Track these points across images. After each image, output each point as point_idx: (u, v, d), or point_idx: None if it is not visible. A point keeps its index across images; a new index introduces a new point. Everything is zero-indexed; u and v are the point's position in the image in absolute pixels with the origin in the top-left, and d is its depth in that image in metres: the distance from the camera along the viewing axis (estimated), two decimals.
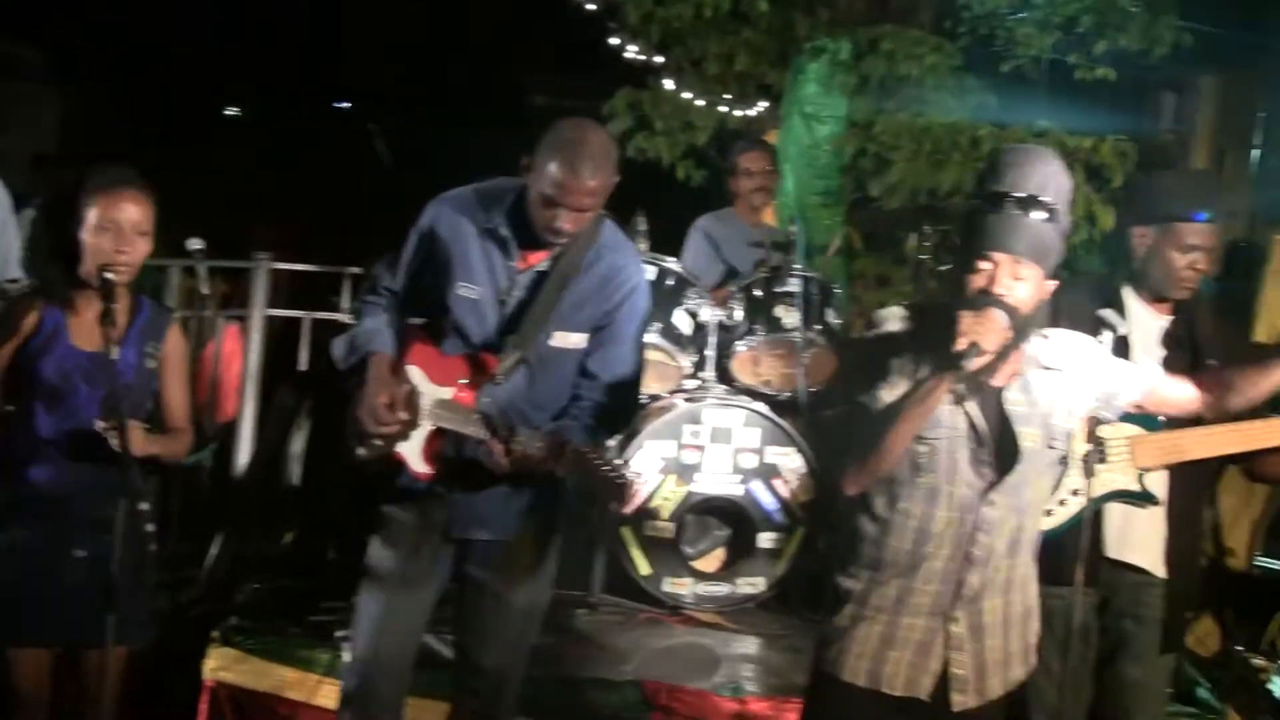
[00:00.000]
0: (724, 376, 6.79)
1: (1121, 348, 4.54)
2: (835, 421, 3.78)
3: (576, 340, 4.31)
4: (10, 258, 5.63)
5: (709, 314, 6.68)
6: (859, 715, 3.79)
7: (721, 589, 6.44)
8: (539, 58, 14.09)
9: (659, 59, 9.82)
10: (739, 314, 6.74)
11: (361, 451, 4.25)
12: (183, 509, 6.75)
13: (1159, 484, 4.56)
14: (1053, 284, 3.67)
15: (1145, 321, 4.63)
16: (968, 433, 3.67)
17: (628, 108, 9.63)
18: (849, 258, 8.97)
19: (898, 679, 3.73)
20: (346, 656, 4.70)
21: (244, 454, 7.55)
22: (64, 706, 4.47)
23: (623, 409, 4.47)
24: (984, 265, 3.55)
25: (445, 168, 4.63)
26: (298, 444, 6.60)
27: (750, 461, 6.43)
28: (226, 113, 20.01)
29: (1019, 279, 3.55)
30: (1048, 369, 3.74)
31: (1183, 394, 3.96)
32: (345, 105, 19.38)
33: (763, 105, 10.06)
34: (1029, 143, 7.92)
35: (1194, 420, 4.50)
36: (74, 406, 4.32)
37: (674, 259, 6.75)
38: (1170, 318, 4.63)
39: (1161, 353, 4.60)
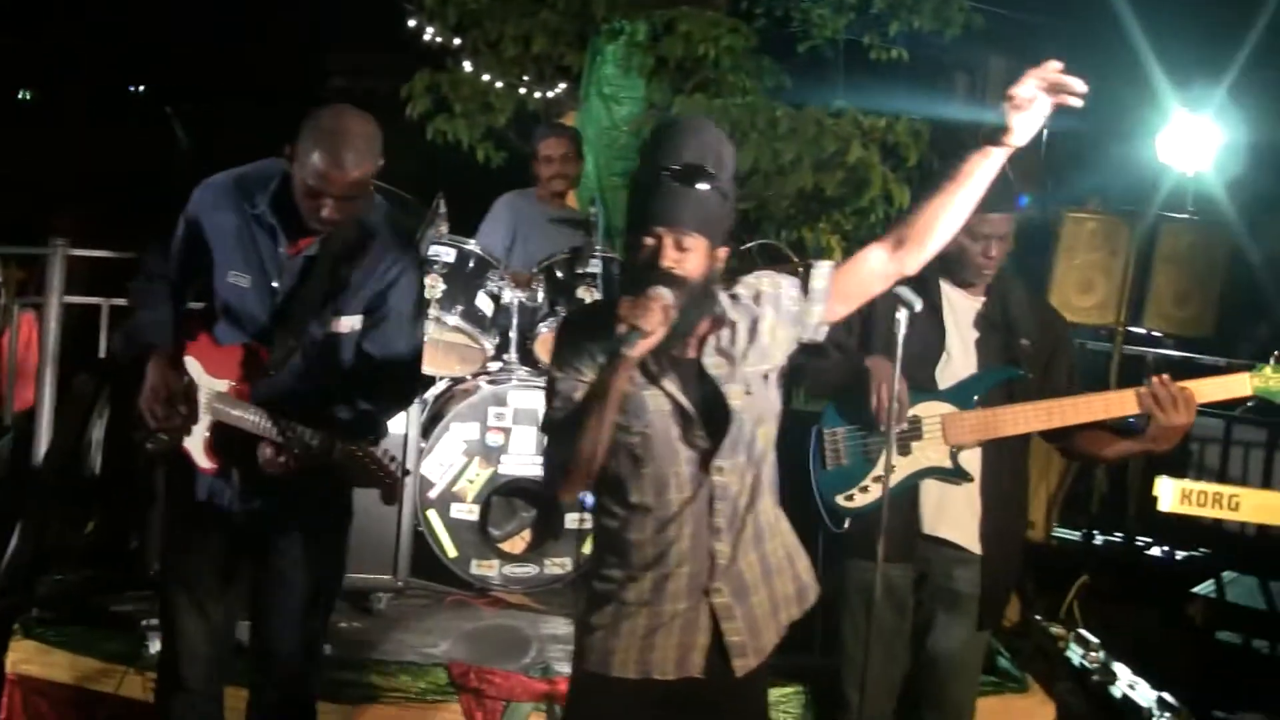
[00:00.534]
0: (527, 358, 6.78)
1: (930, 326, 4.67)
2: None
3: (350, 323, 4.29)
4: None
5: (511, 295, 6.68)
6: (632, 709, 3.75)
7: (529, 570, 6.46)
8: (338, 39, 13.96)
9: (457, 41, 9.77)
10: (541, 295, 6.73)
11: (149, 445, 4.21)
12: None
13: (973, 461, 4.68)
14: (724, 251, 3.62)
15: (960, 304, 4.75)
16: (673, 412, 3.62)
17: (426, 90, 9.57)
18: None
19: (669, 663, 3.69)
20: (155, 646, 4.65)
21: (43, 443, 7.41)
22: None
23: (403, 388, 4.46)
24: (648, 241, 3.52)
25: (245, 150, 4.56)
26: (98, 432, 6.48)
27: None
28: (18, 96, 19.50)
29: (685, 250, 3.50)
30: (735, 324, 3.66)
31: (868, 260, 3.76)
32: (141, 88, 19.00)
33: (562, 87, 10.07)
34: (824, 122, 8.14)
35: (1006, 398, 4.64)
36: None
37: (474, 241, 6.72)
38: (983, 299, 4.75)
39: (976, 334, 4.72)
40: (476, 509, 6.38)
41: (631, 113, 9.00)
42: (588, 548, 6.36)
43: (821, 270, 3.73)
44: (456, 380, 6.76)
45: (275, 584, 4.40)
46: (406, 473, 4.10)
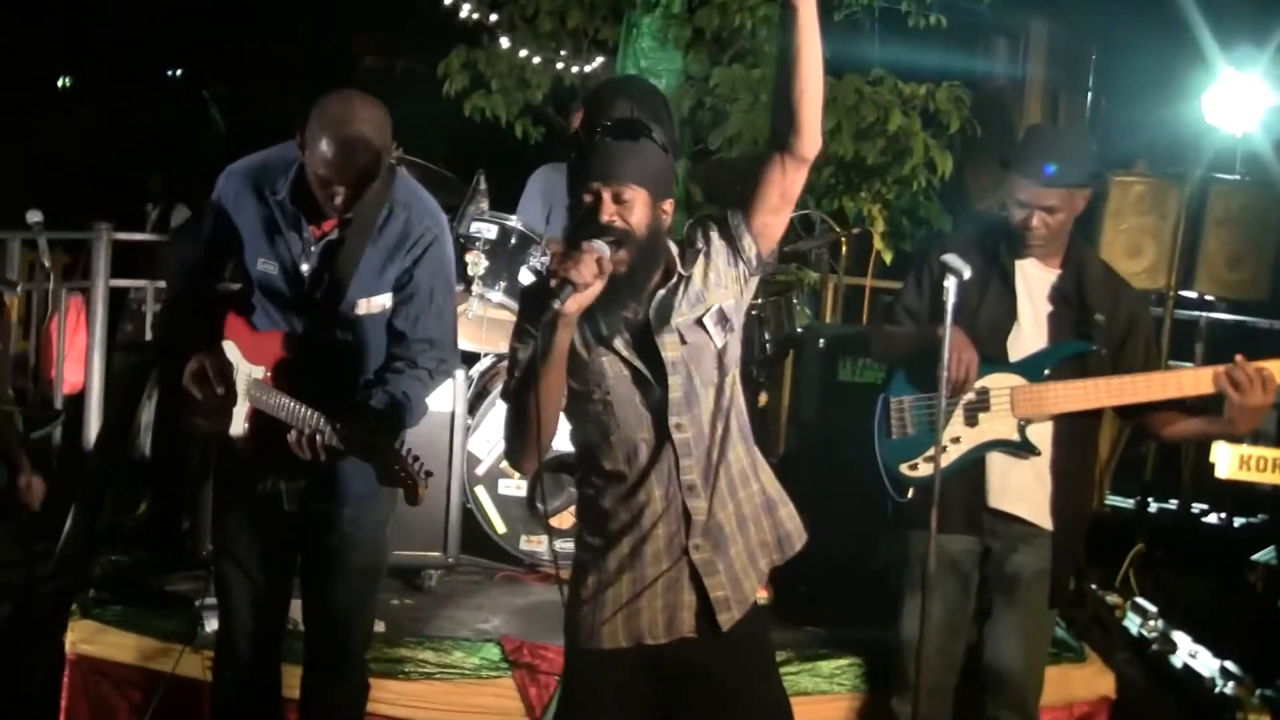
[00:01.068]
0: None
1: (1002, 298, 4.62)
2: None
3: (380, 303, 4.27)
4: None
5: None
6: (627, 681, 3.72)
7: None
8: (373, 18, 13.94)
9: (493, 17, 9.73)
10: None
11: (197, 425, 4.21)
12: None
13: (1042, 436, 4.63)
14: (669, 204, 3.60)
15: (1034, 276, 4.70)
16: (631, 376, 3.59)
17: (462, 67, 9.55)
18: (690, 210, 8.99)
19: (658, 626, 3.66)
20: (210, 625, 4.65)
21: (93, 426, 7.44)
22: None
23: (438, 364, 4.39)
24: (586, 198, 3.48)
25: (280, 133, 4.54)
26: (147, 414, 6.49)
27: None
28: (58, 84, 19.59)
29: (624, 202, 3.46)
30: (681, 275, 3.60)
31: (765, 166, 3.63)
32: (177, 73, 19.04)
33: (598, 61, 10.03)
34: (863, 90, 8.07)
35: (1078, 372, 4.58)
36: None
37: (515, 217, 6.68)
38: (1058, 272, 4.69)
39: (1049, 307, 4.67)
40: (524, 485, 6.34)
41: (669, 85, 8.93)
42: None
43: (731, 211, 3.68)
44: (501, 356, 6.72)
45: (325, 561, 4.41)
46: (429, 474, 4.04)
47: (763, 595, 3.85)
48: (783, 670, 4.39)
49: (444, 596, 6.01)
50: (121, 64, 17.24)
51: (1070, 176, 4.60)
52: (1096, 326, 4.61)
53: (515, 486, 6.33)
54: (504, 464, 6.27)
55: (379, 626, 4.98)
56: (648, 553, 3.64)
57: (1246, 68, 8.29)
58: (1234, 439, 4.60)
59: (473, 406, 6.32)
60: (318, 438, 3.99)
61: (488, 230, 6.48)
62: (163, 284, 8.19)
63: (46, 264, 6.08)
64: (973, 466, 4.64)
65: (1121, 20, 9.64)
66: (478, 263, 6.37)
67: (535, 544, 6.37)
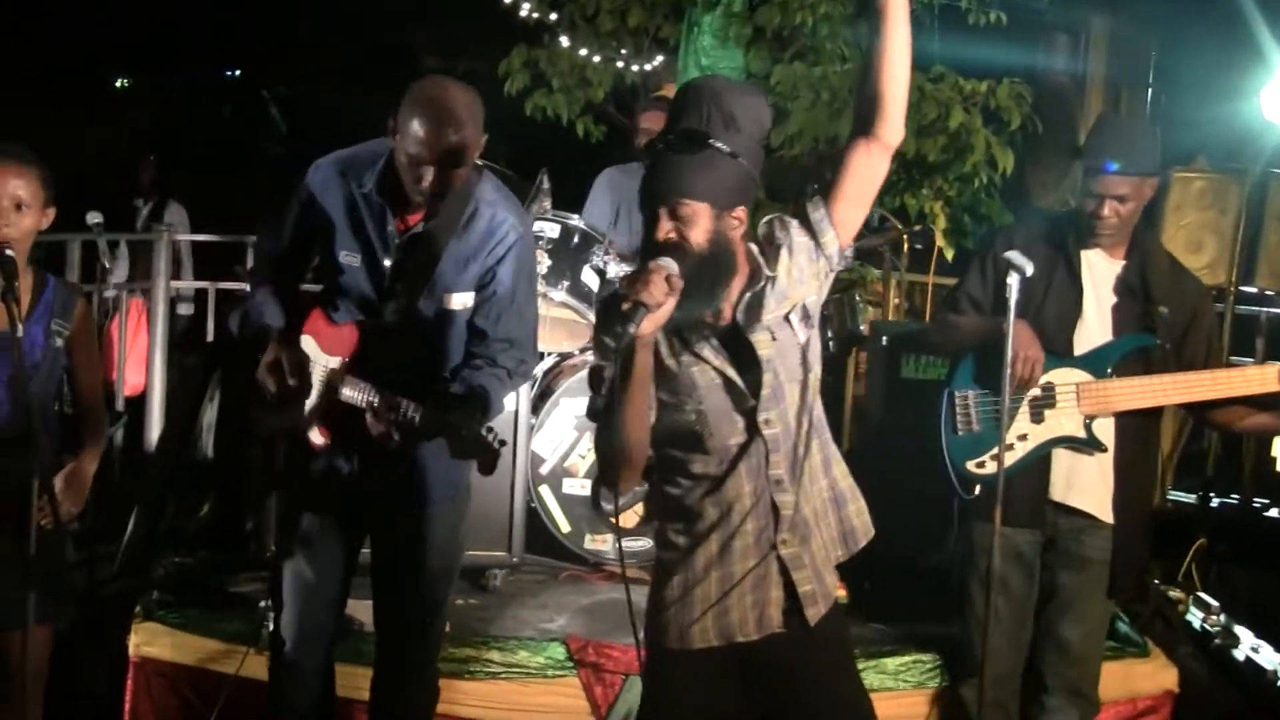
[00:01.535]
0: None
1: (1068, 290, 4.63)
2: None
3: (462, 300, 4.29)
4: None
5: (616, 270, 6.67)
6: (716, 680, 3.71)
7: (642, 544, 6.44)
8: (431, 18, 13.98)
9: (553, 15, 9.77)
10: None
11: (267, 423, 4.25)
12: (96, 485, 6.71)
13: (1106, 430, 4.65)
14: (740, 210, 3.52)
15: (1100, 268, 4.72)
16: (722, 384, 3.56)
17: (523, 66, 9.59)
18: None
19: (749, 623, 3.65)
20: (271, 626, 4.69)
21: (155, 428, 7.49)
22: None
23: (517, 364, 4.42)
24: (650, 217, 3.48)
25: (341, 132, 4.59)
26: (210, 415, 6.54)
27: None
28: (117, 84, 19.72)
29: (680, 219, 3.43)
30: (769, 275, 3.58)
31: (850, 157, 3.65)
32: (237, 73, 19.15)
33: (659, 59, 10.05)
34: (924, 88, 8.05)
35: (1142, 365, 4.60)
36: None
37: (578, 216, 6.72)
38: (1123, 263, 4.71)
39: (1114, 299, 4.70)
40: (588, 484, 6.38)
41: None
42: None
43: (814, 201, 3.65)
44: (564, 355, 6.76)
45: (397, 561, 4.44)
46: (503, 443, 4.09)
47: (841, 593, 3.86)
48: None
49: (509, 596, 6.05)
50: (179, 65, 17.36)
51: (1140, 165, 4.64)
52: (1160, 318, 4.63)
53: (579, 485, 6.37)
54: (568, 463, 6.32)
55: (445, 626, 5.02)
56: (736, 549, 3.62)
57: None
58: None
59: (536, 406, 6.36)
60: (393, 414, 4.05)
61: (550, 229, 6.52)
62: (225, 285, 8.29)
63: (108, 265, 6.11)
64: (1038, 462, 4.66)
65: (1181, 17, 9.60)
66: (540, 261, 6.40)
67: (600, 543, 6.41)
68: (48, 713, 4.50)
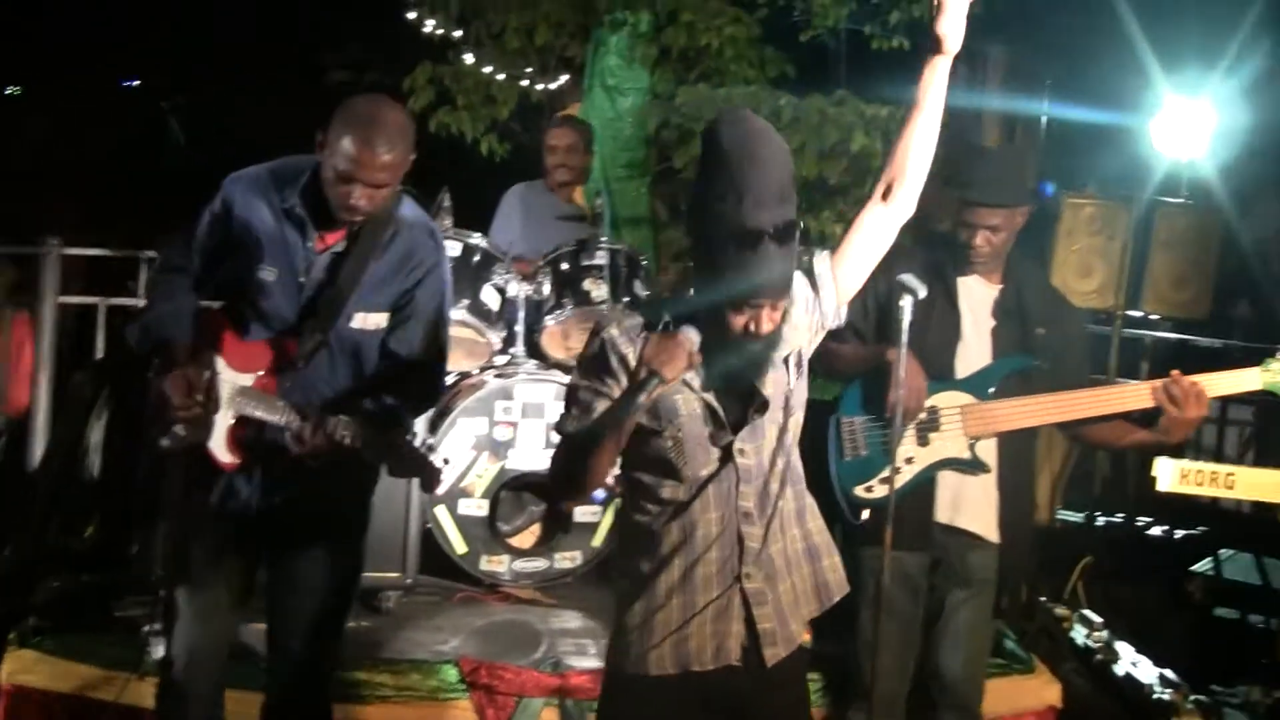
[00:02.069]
0: (534, 351, 6.79)
1: (946, 315, 4.71)
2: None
3: (377, 320, 4.30)
4: None
5: (517, 289, 6.69)
6: (672, 708, 3.73)
7: (539, 565, 6.48)
8: (338, 32, 13.90)
9: (458, 33, 9.76)
10: (547, 288, 6.71)
11: (165, 441, 4.20)
12: None
13: (988, 451, 4.73)
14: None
15: (977, 292, 4.80)
16: (704, 414, 3.60)
17: (428, 83, 9.57)
18: (655, 229, 9.06)
19: (706, 652, 3.67)
20: (158, 652, 4.64)
21: (39, 446, 7.38)
22: None
23: (428, 388, 4.47)
24: (746, 311, 3.45)
25: (242, 145, 4.58)
26: (96, 434, 6.45)
27: None
28: (6, 92, 19.41)
29: (776, 309, 3.47)
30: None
31: (863, 220, 3.71)
32: (135, 83, 18.91)
33: (565, 78, 10.07)
34: (826, 111, 8.13)
35: (1022, 387, 4.69)
36: None
37: (479, 235, 6.72)
38: (1000, 287, 4.80)
39: (992, 322, 4.78)
40: (485, 504, 6.39)
41: (635, 104, 9.02)
42: (598, 541, 6.42)
43: (820, 256, 3.71)
44: (463, 375, 6.75)
45: (294, 586, 4.42)
46: (446, 461, 4.12)
47: (805, 637, 3.90)
48: None
49: (403, 618, 6.02)
50: (74, 73, 17.10)
51: (1012, 197, 4.74)
52: (1038, 340, 4.73)
53: (476, 506, 6.37)
54: (465, 483, 6.31)
55: None
56: (699, 576, 3.64)
57: (1193, 93, 8.45)
58: (1169, 449, 4.73)
59: (434, 425, 6.34)
60: (319, 433, 4.05)
61: (451, 248, 6.50)
62: (115, 301, 8.16)
63: None
64: (924, 484, 4.74)
65: (1076, 47, 9.77)
66: None
67: (495, 564, 6.41)
68: None
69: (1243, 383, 4.62)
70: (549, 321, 6.70)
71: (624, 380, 3.53)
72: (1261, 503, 7.18)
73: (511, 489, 6.50)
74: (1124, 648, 6.52)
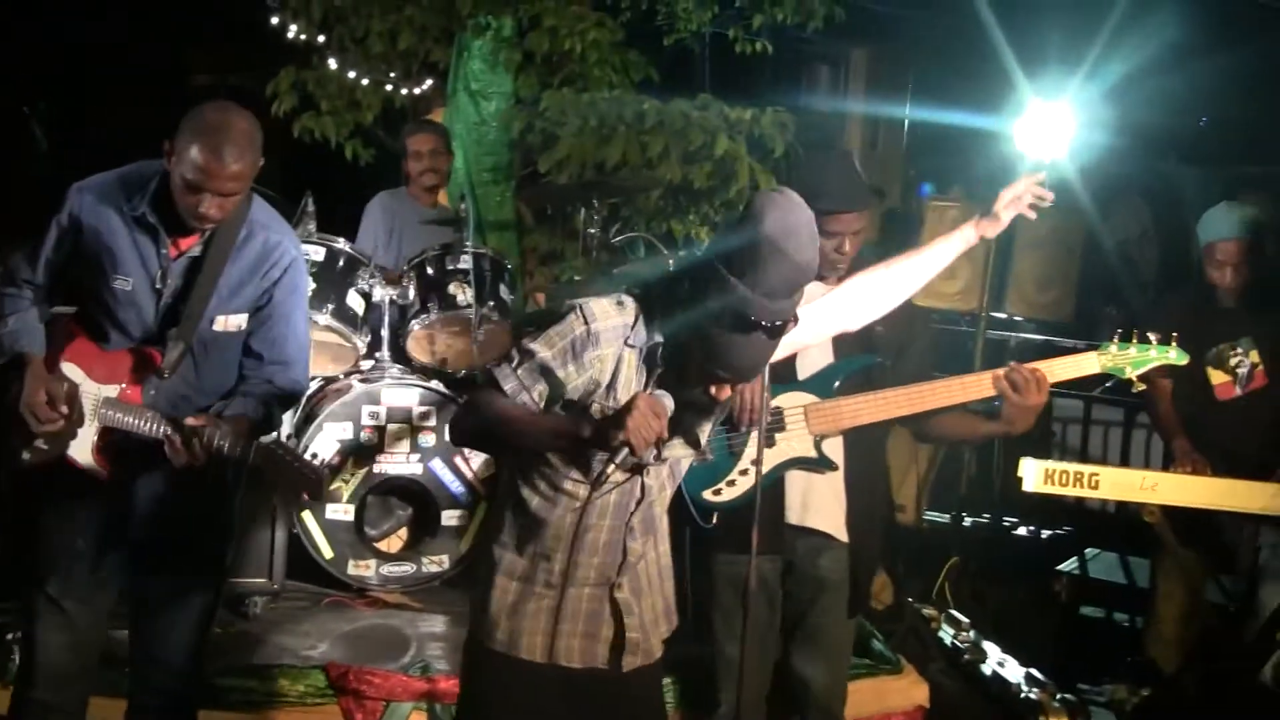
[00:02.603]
0: (400, 356, 6.80)
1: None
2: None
3: (237, 322, 4.31)
4: None
5: (382, 293, 6.68)
6: (536, 690, 3.77)
7: (406, 569, 6.47)
8: (200, 36, 13.74)
9: (321, 37, 9.68)
10: (412, 293, 6.73)
11: (26, 455, 4.18)
12: None
13: (836, 449, 4.76)
14: None
15: (815, 296, 4.82)
16: None
17: (291, 87, 9.48)
18: (520, 233, 9.05)
19: (574, 652, 3.75)
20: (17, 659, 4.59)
21: None
22: None
23: (292, 385, 4.48)
24: (714, 382, 3.53)
25: (106, 151, 4.53)
26: None
27: (429, 440, 6.45)
28: None
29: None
30: None
31: (818, 307, 3.94)
32: None
33: (429, 83, 10.02)
34: (690, 115, 8.16)
35: (866, 385, 4.72)
36: None
37: (343, 239, 6.70)
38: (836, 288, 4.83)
39: None
40: (352, 509, 6.37)
41: (499, 108, 8.99)
42: (465, 544, 6.41)
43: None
44: (329, 379, 6.73)
45: (158, 594, 4.41)
46: (330, 466, 4.12)
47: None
48: None
49: (270, 623, 5.99)
50: None
51: (866, 199, 4.80)
52: (879, 338, 4.75)
53: (343, 511, 6.35)
54: (331, 488, 6.27)
55: None
56: (578, 577, 3.71)
57: (1054, 96, 8.58)
58: (1021, 437, 4.80)
59: (300, 430, 6.32)
60: (197, 440, 4.02)
61: (315, 253, 6.49)
62: None
63: None
64: (773, 486, 4.76)
65: (937, 50, 9.91)
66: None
67: (363, 569, 6.40)
68: None
69: (1083, 366, 4.67)
70: (414, 326, 6.71)
71: (587, 373, 3.55)
72: (1125, 502, 7.28)
73: (378, 493, 6.49)
74: (991, 647, 6.57)
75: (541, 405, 3.57)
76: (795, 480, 4.76)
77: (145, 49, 14.74)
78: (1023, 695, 6.12)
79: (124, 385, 4.24)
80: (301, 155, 9.59)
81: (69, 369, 4.24)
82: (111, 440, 4.23)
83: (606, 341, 3.55)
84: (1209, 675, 6.24)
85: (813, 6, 9.11)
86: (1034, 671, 6.30)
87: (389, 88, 9.88)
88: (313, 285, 6.39)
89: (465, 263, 6.68)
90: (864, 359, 4.74)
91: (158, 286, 4.24)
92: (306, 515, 6.27)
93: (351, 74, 9.62)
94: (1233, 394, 6.28)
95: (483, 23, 9.01)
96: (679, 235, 8.64)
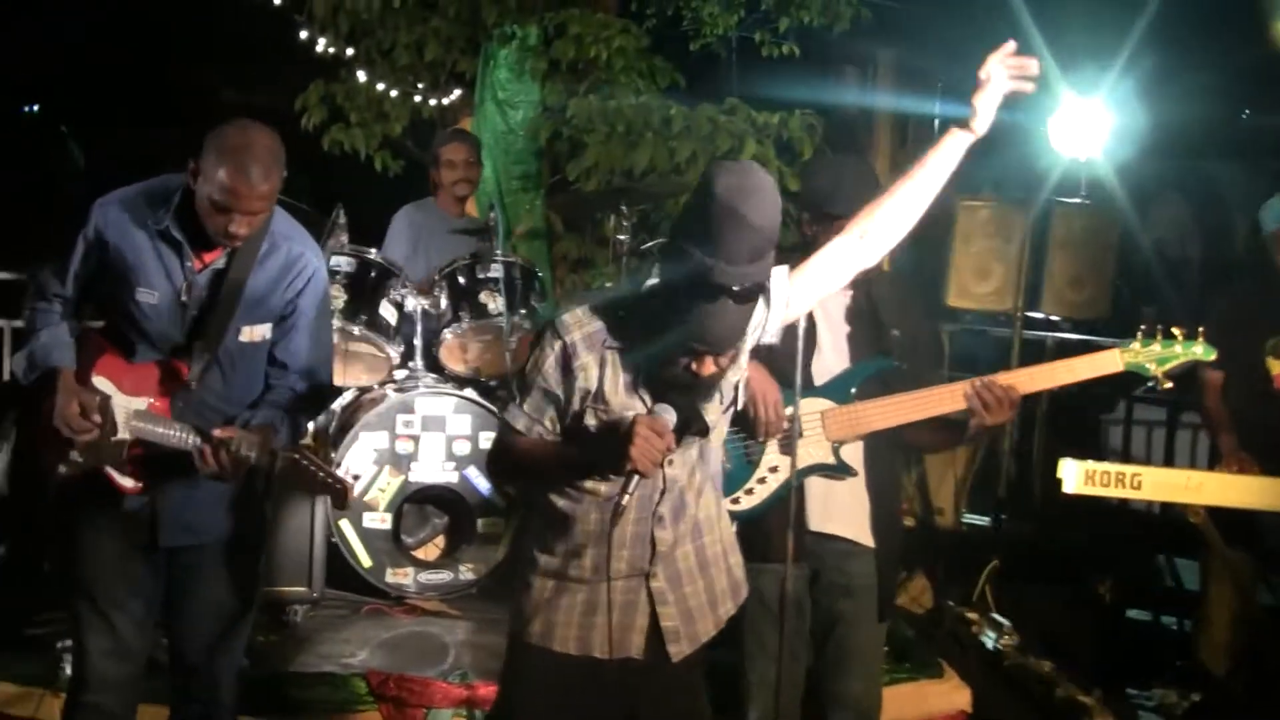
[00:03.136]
0: (433, 365, 6.82)
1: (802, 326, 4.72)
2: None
3: (262, 332, 4.32)
4: None
5: (414, 303, 6.70)
6: (573, 684, 3.81)
7: (443, 576, 6.48)
8: (228, 54, 13.81)
9: (349, 51, 9.72)
10: (444, 302, 6.75)
11: (63, 469, 4.19)
12: None
13: (854, 454, 4.72)
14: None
15: (829, 299, 4.78)
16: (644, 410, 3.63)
17: (320, 101, 9.53)
18: (550, 241, 9.06)
19: (608, 643, 3.76)
20: (70, 669, 4.61)
21: None
22: None
23: (317, 394, 4.50)
24: (689, 356, 3.49)
25: (140, 167, 4.54)
26: (4, 455, 6.38)
27: (464, 448, 6.48)
28: None
29: (721, 356, 3.52)
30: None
31: (831, 254, 3.83)
32: (34, 108, 18.73)
33: (456, 93, 10.04)
34: (717, 120, 8.14)
35: (881, 389, 4.67)
36: None
37: (375, 250, 6.73)
38: (851, 292, 4.79)
39: (847, 328, 4.76)
40: (389, 517, 6.39)
41: (526, 116, 9.01)
42: (501, 552, 6.41)
43: (778, 272, 3.67)
44: (363, 390, 6.75)
45: (193, 601, 4.41)
46: (356, 477, 4.12)
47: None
48: None
49: (310, 631, 6.02)
50: None
51: (862, 206, 4.74)
52: (893, 341, 4.71)
53: (380, 519, 6.37)
54: (368, 497, 6.29)
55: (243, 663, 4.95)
56: (609, 570, 3.72)
57: (1089, 93, 8.52)
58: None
59: (336, 440, 6.34)
60: (225, 452, 4.04)
61: (347, 264, 6.51)
62: (19, 324, 8.08)
63: None
64: (792, 493, 4.71)
65: (966, 49, 9.82)
66: (337, 296, 6.38)
67: (401, 576, 6.41)
68: None
69: (1104, 365, 4.61)
70: (447, 335, 6.73)
71: (577, 384, 3.60)
72: (1171, 503, 7.18)
73: (414, 502, 6.50)
74: (1034, 651, 6.54)
75: (557, 429, 3.69)
76: (815, 487, 4.69)
77: (176, 68, 14.85)
78: (1068, 700, 6.07)
79: (152, 397, 4.25)
80: (331, 168, 9.63)
81: (99, 382, 4.25)
82: (142, 452, 4.23)
83: (585, 349, 3.61)
84: (1260, 679, 6.16)
85: (839, 8, 9.10)
86: (1080, 676, 6.24)
87: (417, 99, 9.91)
88: (345, 297, 6.45)
89: (496, 271, 6.70)
90: (880, 362, 4.69)
91: (183, 299, 4.24)
92: (344, 524, 6.29)
93: (379, 86, 9.65)
94: None
95: (508, 32, 9.05)
96: None
